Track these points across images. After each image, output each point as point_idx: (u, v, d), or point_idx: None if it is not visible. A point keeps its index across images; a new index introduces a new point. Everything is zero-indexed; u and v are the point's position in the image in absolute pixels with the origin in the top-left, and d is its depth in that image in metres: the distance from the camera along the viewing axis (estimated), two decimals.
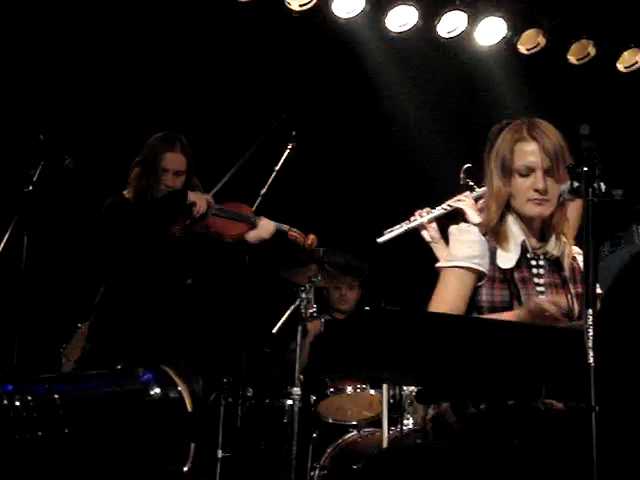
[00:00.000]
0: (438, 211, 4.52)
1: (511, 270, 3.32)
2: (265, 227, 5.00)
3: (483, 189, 4.42)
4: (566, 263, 3.40)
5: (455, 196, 4.51)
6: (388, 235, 4.57)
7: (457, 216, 4.48)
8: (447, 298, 3.28)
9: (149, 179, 4.75)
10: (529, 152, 3.31)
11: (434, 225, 4.53)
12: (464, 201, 4.47)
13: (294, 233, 5.11)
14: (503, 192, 3.35)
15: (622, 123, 6.45)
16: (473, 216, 4.41)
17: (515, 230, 3.36)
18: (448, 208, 4.51)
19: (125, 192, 4.77)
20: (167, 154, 4.77)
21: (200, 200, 4.73)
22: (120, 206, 4.66)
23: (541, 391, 2.59)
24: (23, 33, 5.74)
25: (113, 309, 4.61)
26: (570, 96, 6.43)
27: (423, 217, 4.51)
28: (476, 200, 4.49)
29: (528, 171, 3.31)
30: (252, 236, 4.97)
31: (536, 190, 3.29)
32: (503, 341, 2.58)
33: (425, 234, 4.52)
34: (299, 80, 6.35)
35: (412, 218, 4.55)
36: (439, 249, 4.54)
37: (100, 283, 4.71)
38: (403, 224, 4.55)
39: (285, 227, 5.12)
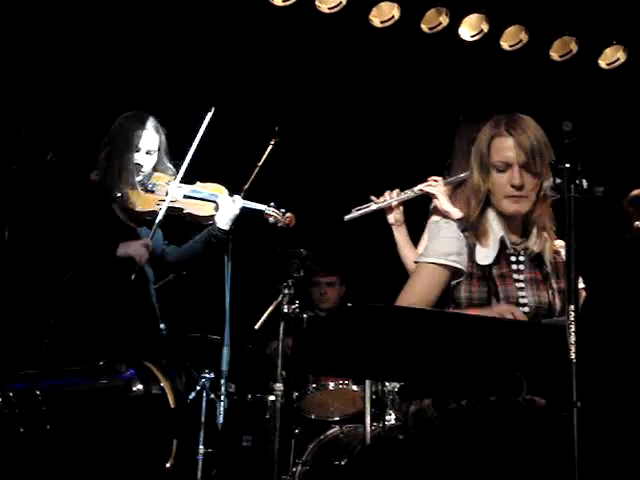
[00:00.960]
0: (408, 194, 4.55)
1: (489, 267, 3.32)
2: (225, 205, 4.78)
3: (455, 177, 4.46)
4: (547, 258, 3.41)
5: (426, 181, 4.54)
6: (356, 213, 4.62)
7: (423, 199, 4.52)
8: (415, 291, 3.30)
9: (120, 159, 4.59)
10: (505, 148, 3.31)
11: (401, 208, 4.56)
12: (435, 186, 4.49)
13: (271, 213, 4.95)
14: (482, 188, 3.36)
15: (604, 120, 6.47)
16: (444, 201, 4.44)
17: (495, 226, 3.37)
18: (418, 192, 4.54)
19: (93, 175, 4.64)
20: (139, 132, 4.64)
21: (137, 250, 4.52)
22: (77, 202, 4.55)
23: (523, 387, 2.60)
24: (2, 26, 5.71)
25: (87, 302, 4.52)
26: (552, 93, 6.45)
27: (392, 198, 4.54)
28: (452, 187, 4.52)
29: (505, 167, 3.31)
30: (218, 218, 4.76)
31: (512, 186, 3.30)
32: (485, 337, 2.58)
33: (390, 216, 4.56)
34: (282, 74, 6.35)
35: (381, 198, 4.58)
36: (400, 232, 4.57)
37: (64, 275, 4.62)
38: (371, 204, 4.59)
39: (262, 206, 4.95)
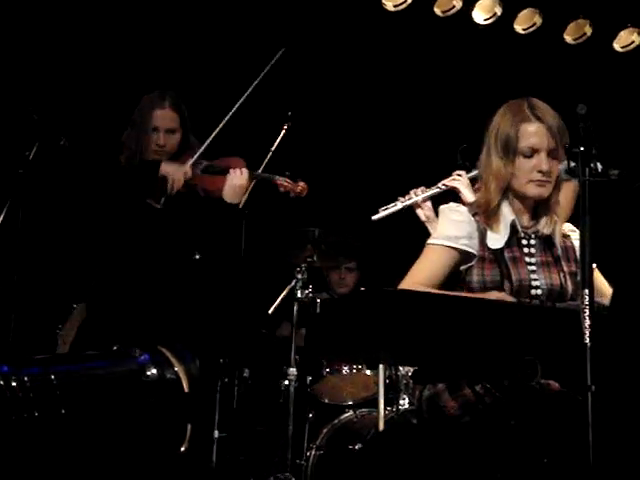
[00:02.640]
0: (433, 190, 4.53)
1: (501, 250, 3.32)
2: (231, 177, 4.66)
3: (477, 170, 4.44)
4: (558, 241, 3.40)
5: (450, 175, 4.52)
6: (383, 213, 4.59)
7: (450, 195, 4.49)
8: (422, 271, 3.30)
9: (140, 140, 4.56)
10: (533, 133, 3.30)
11: (429, 204, 4.54)
12: (459, 180, 4.47)
13: (282, 181, 4.87)
14: (504, 173, 3.34)
15: (619, 103, 6.44)
16: (468, 195, 4.42)
17: (506, 210, 3.36)
18: (443, 187, 4.52)
19: (121, 157, 4.62)
20: (156, 111, 4.59)
21: (176, 173, 4.50)
22: (106, 174, 4.53)
23: (537, 371, 2.59)
24: (15, 13, 5.71)
25: (107, 289, 4.55)
26: (567, 76, 6.42)
27: (418, 196, 4.53)
28: (472, 180, 4.49)
29: (532, 152, 3.31)
30: (225, 191, 4.65)
31: (540, 171, 3.29)
32: (499, 321, 2.58)
33: (420, 213, 4.54)
34: (295, 58, 6.34)
35: (407, 197, 4.56)
36: (434, 228, 4.55)
37: (94, 263, 4.65)
38: (398, 202, 4.57)
39: (271, 176, 4.88)
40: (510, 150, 3.32)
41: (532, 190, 3.33)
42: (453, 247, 3.30)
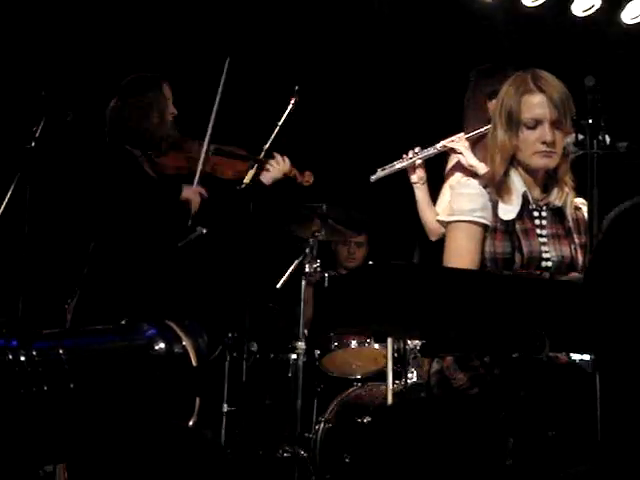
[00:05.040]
0: (430, 151, 4.54)
1: (512, 221, 3.32)
2: (278, 167, 4.90)
3: (476, 131, 4.44)
4: (569, 213, 3.40)
5: (449, 137, 4.52)
6: (381, 173, 4.60)
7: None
8: (460, 252, 3.29)
9: (158, 117, 4.69)
10: (536, 104, 3.29)
11: (423, 167, 4.56)
12: (459, 142, 4.47)
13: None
14: (509, 145, 3.33)
15: (627, 75, 6.40)
16: (469, 157, 4.42)
17: (517, 182, 3.36)
18: (441, 148, 4.53)
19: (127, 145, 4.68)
20: (164, 85, 4.74)
21: (195, 196, 4.66)
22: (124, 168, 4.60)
23: (545, 344, 2.59)
24: None
25: (112, 263, 4.56)
26: (574, 48, 6.38)
27: (416, 155, 4.53)
28: (471, 142, 4.50)
29: (535, 123, 3.29)
30: (268, 177, 4.87)
31: (544, 142, 3.28)
32: (507, 294, 2.58)
33: (413, 176, 4.55)
34: (300, 31, 6.33)
35: (405, 157, 4.56)
36: (422, 191, 4.56)
37: (92, 236, 4.66)
38: (396, 163, 4.57)
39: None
40: (513, 122, 3.31)
41: (537, 161, 3.32)
42: (471, 221, 3.29)
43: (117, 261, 4.54)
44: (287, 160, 4.91)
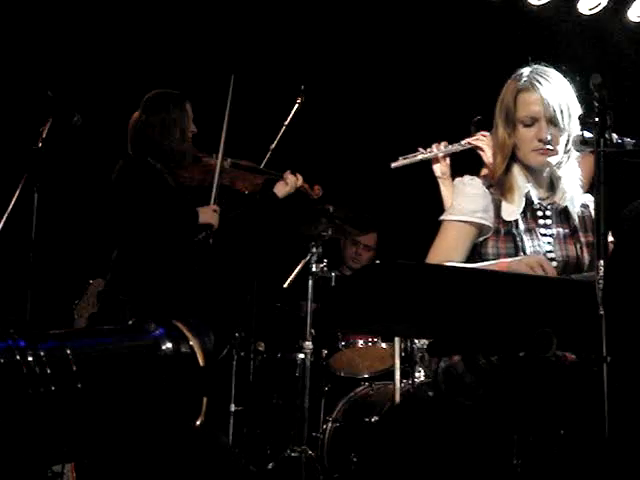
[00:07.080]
0: (455, 147, 4.52)
1: (515, 222, 3.31)
2: (293, 181, 5.01)
3: None
4: (575, 212, 3.39)
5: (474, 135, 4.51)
6: (403, 161, 4.56)
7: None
8: (443, 250, 3.29)
9: (180, 134, 4.75)
10: (532, 102, 3.28)
11: (448, 161, 4.53)
12: (484, 140, 4.46)
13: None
14: (508, 143, 3.33)
15: (633, 73, 6.40)
16: (490, 154, 4.40)
17: (520, 181, 3.35)
18: (466, 145, 4.51)
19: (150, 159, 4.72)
20: (187, 104, 4.81)
21: (212, 218, 4.74)
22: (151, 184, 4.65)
23: (552, 343, 2.59)
24: None
25: (129, 266, 4.59)
26: (581, 46, 6.38)
27: (440, 150, 4.51)
28: None
29: (532, 121, 3.29)
30: (283, 191, 4.97)
31: (540, 140, 3.27)
32: (514, 293, 2.58)
33: (437, 168, 4.52)
34: (306, 31, 6.33)
35: (429, 149, 4.54)
36: (446, 185, 4.55)
37: (114, 241, 4.70)
38: (418, 154, 4.54)
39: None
40: (510, 120, 3.31)
41: (535, 159, 3.31)
42: (470, 221, 3.29)
43: (138, 265, 4.59)
44: (300, 177, 5.01)
